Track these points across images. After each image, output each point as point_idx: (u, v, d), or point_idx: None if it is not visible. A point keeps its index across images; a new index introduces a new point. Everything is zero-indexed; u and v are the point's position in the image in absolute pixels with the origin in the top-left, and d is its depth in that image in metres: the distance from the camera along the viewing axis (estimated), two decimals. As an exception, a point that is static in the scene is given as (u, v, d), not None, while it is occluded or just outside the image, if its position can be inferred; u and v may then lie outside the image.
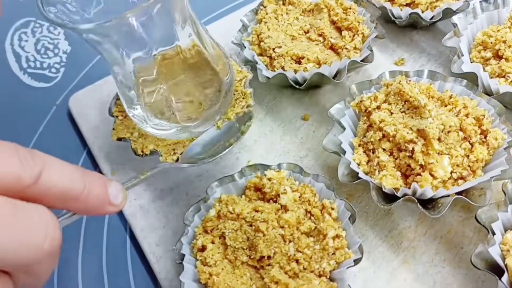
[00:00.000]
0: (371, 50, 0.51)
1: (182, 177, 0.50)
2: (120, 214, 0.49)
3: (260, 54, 0.52)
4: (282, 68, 0.50)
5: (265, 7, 0.56)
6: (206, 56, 0.43)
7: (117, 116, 0.49)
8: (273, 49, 0.51)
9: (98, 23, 0.32)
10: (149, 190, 0.49)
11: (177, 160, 0.45)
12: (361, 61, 0.50)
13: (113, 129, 0.49)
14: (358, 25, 0.53)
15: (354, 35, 0.53)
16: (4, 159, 0.20)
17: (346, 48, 0.52)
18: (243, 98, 0.49)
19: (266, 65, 0.52)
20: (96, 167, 0.53)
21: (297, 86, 0.51)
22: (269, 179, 0.42)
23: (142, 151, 0.47)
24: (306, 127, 0.52)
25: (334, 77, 0.51)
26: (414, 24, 0.58)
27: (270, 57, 0.52)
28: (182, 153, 0.46)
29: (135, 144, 0.47)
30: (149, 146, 0.47)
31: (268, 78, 0.51)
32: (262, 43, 0.52)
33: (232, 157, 0.51)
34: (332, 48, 0.53)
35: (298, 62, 0.51)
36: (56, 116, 0.58)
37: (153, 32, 0.37)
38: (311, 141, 0.51)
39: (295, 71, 0.50)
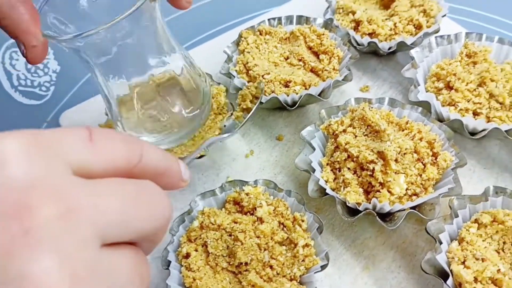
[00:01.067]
0: (349, 70, 0.57)
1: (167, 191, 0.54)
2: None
3: (249, 81, 0.57)
4: (273, 92, 0.56)
5: (245, 38, 0.61)
6: (180, 80, 0.48)
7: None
8: (262, 76, 0.56)
9: (78, 33, 0.36)
10: (136, 203, 0.53)
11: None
12: (342, 80, 0.56)
13: None
14: (333, 48, 0.60)
15: (330, 58, 0.59)
16: (115, 144, 0.22)
17: (326, 70, 0.58)
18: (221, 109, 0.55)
19: None
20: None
21: (288, 107, 0.56)
22: (247, 194, 0.47)
23: None
24: (280, 147, 0.57)
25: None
26: (375, 52, 0.65)
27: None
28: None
29: None
30: None
31: (261, 102, 0.56)
32: (250, 71, 0.57)
33: (212, 174, 0.55)
34: (312, 70, 0.59)
35: (286, 86, 0.56)
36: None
37: (129, 59, 0.43)
38: (284, 160, 0.56)
39: (287, 94, 0.55)
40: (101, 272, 0.20)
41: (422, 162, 0.48)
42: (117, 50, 0.41)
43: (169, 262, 0.44)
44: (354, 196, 0.46)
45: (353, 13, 0.64)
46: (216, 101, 0.55)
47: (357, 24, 0.64)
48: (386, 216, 0.47)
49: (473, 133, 0.53)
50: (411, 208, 0.46)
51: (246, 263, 0.43)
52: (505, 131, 0.50)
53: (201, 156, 0.52)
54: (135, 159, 0.23)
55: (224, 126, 0.54)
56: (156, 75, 0.46)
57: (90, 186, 0.20)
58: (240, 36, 0.62)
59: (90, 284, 0.19)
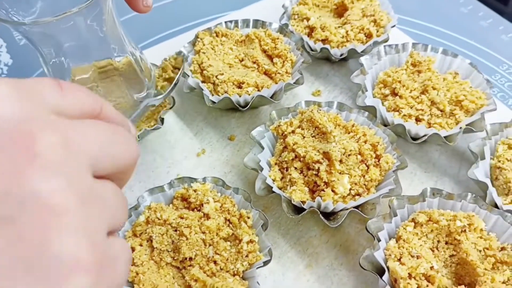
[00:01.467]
0: (301, 74, 0.58)
1: (116, 187, 0.54)
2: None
3: (203, 82, 0.58)
4: (226, 92, 0.56)
5: (201, 39, 0.62)
6: (135, 67, 0.50)
7: None
8: (216, 76, 0.57)
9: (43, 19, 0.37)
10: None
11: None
12: (294, 83, 0.58)
13: None
14: (287, 52, 0.61)
15: (284, 62, 0.61)
16: (81, 93, 0.24)
17: (279, 73, 0.59)
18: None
19: (210, 91, 0.57)
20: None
21: (240, 108, 0.57)
22: (195, 191, 0.48)
23: None
24: (231, 147, 0.58)
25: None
26: (328, 58, 0.67)
27: (214, 84, 0.57)
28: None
29: None
30: None
31: (214, 102, 0.56)
32: (204, 71, 0.58)
33: (163, 171, 0.56)
34: (266, 73, 0.60)
35: (239, 87, 0.57)
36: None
37: (91, 44, 0.43)
38: (235, 159, 0.57)
39: (239, 95, 0.56)
40: (95, 198, 0.22)
41: (365, 164, 0.50)
42: (63, 39, 0.41)
43: (113, 256, 0.44)
44: (299, 194, 0.48)
45: (308, 19, 0.66)
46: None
47: (311, 30, 0.65)
48: (330, 215, 0.49)
49: (415, 138, 0.55)
50: (354, 207, 0.48)
51: (190, 258, 0.43)
52: (444, 137, 0.53)
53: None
54: (98, 108, 0.25)
55: (161, 118, 0.54)
56: (99, 63, 0.47)
57: (75, 123, 0.23)
58: (197, 36, 0.63)
59: (90, 205, 0.21)
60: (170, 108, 0.56)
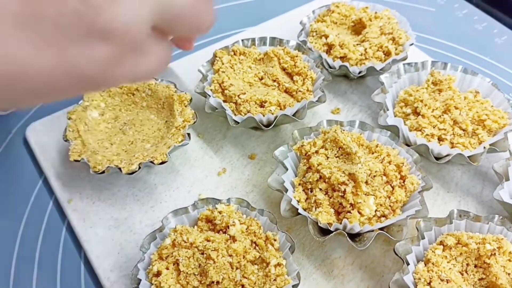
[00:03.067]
0: (323, 91, 0.58)
1: (137, 206, 0.54)
2: (75, 239, 0.52)
3: (225, 101, 0.58)
4: (248, 111, 0.56)
5: (220, 58, 0.62)
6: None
7: (70, 140, 0.53)
8: (238, 96, 0.57)
9: None
10: (105, 219, 0.52)
11: (139, 168, 0.51)
12: (316, 101, 0.58)
13: (71, 152, 0.52)
14: (307, 70, 0.61)
15: (304, 79, 0.60)
16: None
17: (300, 91, 0.59)
18: None
19: (232, 111, 0.57)
20: (52, 195, 0.55)
21: (263, 127, 0.57)
22: (220, 212, 0.47)
23: (99, 168, 0.51)
24: (252, 165, 0.58)
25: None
26: (346, 75, 0.66)
27: (236, 103, 0.57)
28: (140, 162, 0.51)
29: (91, 162, 0.51)
30: (103, 163, 0.51)
31: (237, 122, 0.56)
32: (226, 91, 0.57)
33: (184, 191, 0.55)
34: (286, 91, 0.60)
35: (261, 106, 0.57)
36: (12, 144, 0.60)
37: None
38: (256, 178, 0.56)
39: (263, 114, 0.56)
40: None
41: (390, 185, 0.50)
42: None
43: (139, 280, 0.43)
44: (325, 216, 0.47)
45: (326, 37, 0.66)
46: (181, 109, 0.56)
47: (329, 47, 0.65)
48: (356, 237, 0.49)
49: (438, 158, 0.55)
50: (380, 229, 0.48)
51: (217, 282, 0.43)
52: (468, 156, 0.53)
53: (162, 162, 0.52)
54: None
55: (187, 134, 0.54)
56: None
57: None
58: (215, 55, 0.62)
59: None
60: (194, 122, 0.55)
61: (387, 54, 0.65)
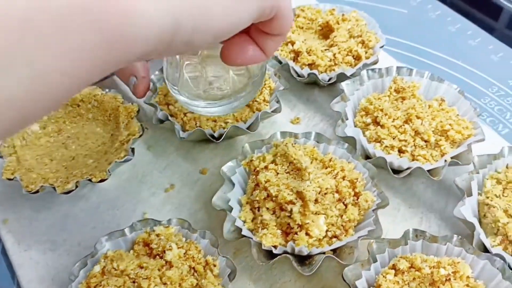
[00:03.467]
0: (278, 101, 0.55)
1: (77, 227, 0.50)
2: (8, 263, 0.48)
3: (171, 115, 0.54)
4: (199, 126, 0.53)
5: (169, 65, 0.58)
6: None
7: (5, 156, 0.50)
8: (185, 114, 0.54)
9: None
10: (41, 241, 0.49)
11: (76, 187, 0.48)
12: (271, 111, 0.54)
13: (3, 170, 0.49)
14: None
15: (262, 89, 0.57)
16: None
17: (256, 101, 0.56)
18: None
19: (181, 125, 0.54)
20: (-12, 215, 0.52)
21: (214, 140, 0.53)
22: (157, 235, 0.44)
23: (32, 188, 0.47)
24: (203, 181, 0.54)
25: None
26: (316, 82, 0.63)
27: (182, 120, 0.54)
28: (77, 181, 0.48)
29: (24, 181, 0.48)
30: (38, 181, 0.48)
31: (182, 138, 0.53)
32: (171, 107, 0.54)
33: (128, 209, 0.52)
34: (243, 102, 0.57)
35: (214, 120, 0.54)
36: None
37: None
38: (206, 195, 0.53)
39: (213, 130, 0.52)
40: None
41: (343, 203, 0.46)
42: None
43: (65, 312, 0.40)
44: (270, 238, 0.44)
45: (292, 43, 0.62)
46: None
47: (296, 54, 0.62)
48: (306, 258, 0.45)
49: (398, 171, 0.52)
50: (332, 250, 0.44)
51: (149, 314, 0.40)
52: (428, 170, 0.49)
53: (102, 180, 0.48)
54: None
55: (131, 148, 0.50)
56: None
57: None
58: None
59: None
60: (140, 136, 0.52)
61: (357, 58, 0.61)
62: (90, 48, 0.21)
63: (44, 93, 0.21)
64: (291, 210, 0.44)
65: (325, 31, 0.67)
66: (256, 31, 0.32)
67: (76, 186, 0.48)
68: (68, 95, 0.22)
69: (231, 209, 0.46)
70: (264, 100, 0.56)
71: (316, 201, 0.45)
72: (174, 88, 0.50)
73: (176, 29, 0.24)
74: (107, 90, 0.56)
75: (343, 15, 0.66)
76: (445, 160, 0.50)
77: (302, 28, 0.67)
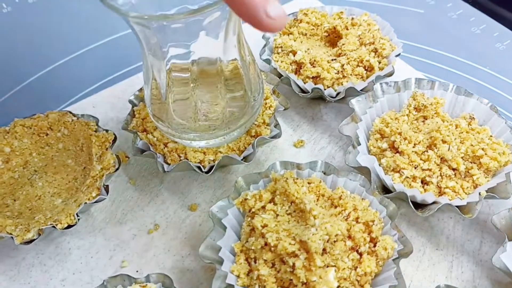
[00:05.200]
0: (277, 126, 0.48)
1: (44, 280, 0.43)
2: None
3: (152, 144, 0.47)
4: (184, 158, 0.45)
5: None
6: (242, 76, 0.42)
7: None
8: (166, 145, 0.46)
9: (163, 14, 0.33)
10: (1, 299, 0.42)
11: (39, 235, 0.41)
12: (270, 137, 0.47)
13: None
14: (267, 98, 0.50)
15: (264, 110, 0.49)
16: None
17: (254, 124, 0.48)
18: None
19: (164, 155, 0.46)
20: None
21: (203, 173, 0.46)
22: (132, 297, 0.37)
23: None
24: (192, 219, 0.47)
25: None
26: (321, 97, 0.55)
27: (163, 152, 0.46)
28: (40, 228, 0.41)
29: None
30: None
31: (165, 171, 0.45)
32: (150, 136, 0.47)
33: (105, 256, 0.44)
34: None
35: (204, 152, 0.46)
36: None
37: (200, 39, 0.36)
38: (195, 237, 0.45)
39: (202, 164, 0.45)
40: None
41: (357, 251, 0.38)
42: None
43: None
44: (268, 301, 0.36)
45: (294, 53, 0.54)
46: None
47: (299, 66, 0.54)
48: (313, 321, 0.37)
49: (423, 205, 0.43)
50: (344, 312, 0.36)
51: None
52: (458, 206, 0.41)
53: (69, 226, 0.41)
54: None
55: (105, 186, 0.43)
56: (224, 60, 0.40)
57: None
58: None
59: None
60: (115, 170, 0.44)
61: (369, 69, 0.53)
62: None
63: None
64: (294, 264, 0.36)
65: (332, 38, 0.59)
66: None
67: (39, 234, 0.41)
68: None
69: (222, 261, 0.38)
70: (263, 123, 0.48)
71: (324, 251, 0.37)
72: (156, 116, 0.43)
73: None
74: (79, 115, 0.49)
75: (352, 19, 0.58)
76: (480, 193, 0.41)
77: (306, 35, 0.59)
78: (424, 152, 0.44)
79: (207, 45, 0.37)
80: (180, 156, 0.45)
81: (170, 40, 0.36)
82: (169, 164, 0.45)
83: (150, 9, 0.37)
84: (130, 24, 0.35)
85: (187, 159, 0.45)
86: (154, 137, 0.46)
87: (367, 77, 0.53)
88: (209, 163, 0.45)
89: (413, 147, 0.44)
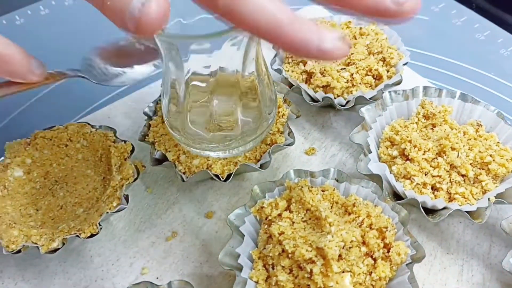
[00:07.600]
0: (290, 134, 0.49)
1: (67, 287, 0.44)
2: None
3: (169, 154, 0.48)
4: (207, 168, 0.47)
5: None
6: (257, 87, 0.43)
7: None
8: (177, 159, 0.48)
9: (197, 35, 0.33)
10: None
11: (63, 244, 0.42)
12: (285, 144, 0.48)
13: None
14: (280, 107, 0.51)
15: (277, 118, 0.51)
16: None
17: (269, 132, 0.49)
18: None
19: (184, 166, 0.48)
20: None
21: (220, 181, 0.47)
22: (156, 304, 0.38)
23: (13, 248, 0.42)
24: (209, 227, 0.48)
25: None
26: (331, 105, 0.56)
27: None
28: (64, 237, 0.42)
29: (4, 240, 0.42)
30: (19, 240, 0.42)
31: (183, 180, 0.47)
32: (167, 154, 0.48)
33: (125, 264, 0.46)
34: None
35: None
36: None
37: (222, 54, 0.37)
38: (213, 244, 0.47)
39: (221, 174, 0.47)
40: None
41: (371, 257, 0.40)
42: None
43: None
44: (287, 306, 0.37)
45: (304, 63, 0.56)
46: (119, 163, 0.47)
47: (309, 75, 0.55)
48: (330, 324, 0.38)
49: (434, 210, 0.45)
50: (360, 316, 0.38)
51: None
52: (468, 211, 0.42)
53: (92, 235, 0.42)
54: None
55: (125, 195, 0.44)
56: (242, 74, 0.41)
57: None
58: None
59: None
60: (134, 180, 0.46)
61: (378, 78, 0.54)
62: None
63: None
64: (311, 270, 0.38)
65: (340, 46, 0.60)
66: None
67: (63, 243, 0.42)
68: None
69: (240, 268, 0.40)
70: (278, 131, 0.50)
71: (339, 257, 0.38)
72: (172, 126, 0.44)
73: None
74: (97, 126, 0.50)
75: (360, 28, 0.59)
76: (489, 199, 0.43)
77: (315, 44, 0.60)
78: (433, 159, 0.46)
79: (228, 56, 0.38)
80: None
81: (191, 51, 0.37)
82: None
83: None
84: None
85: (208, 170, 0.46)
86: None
87: (376, 86, 0.54)
88: (228, 172, 0.46)
89: (423, 154, 0.46)
